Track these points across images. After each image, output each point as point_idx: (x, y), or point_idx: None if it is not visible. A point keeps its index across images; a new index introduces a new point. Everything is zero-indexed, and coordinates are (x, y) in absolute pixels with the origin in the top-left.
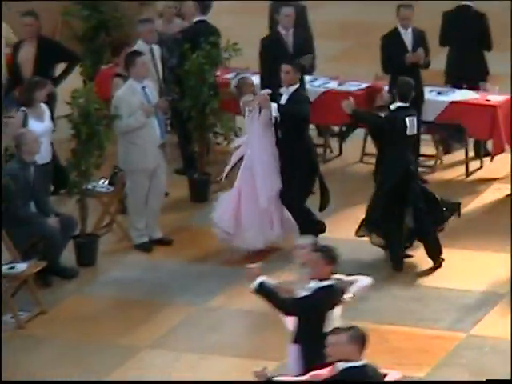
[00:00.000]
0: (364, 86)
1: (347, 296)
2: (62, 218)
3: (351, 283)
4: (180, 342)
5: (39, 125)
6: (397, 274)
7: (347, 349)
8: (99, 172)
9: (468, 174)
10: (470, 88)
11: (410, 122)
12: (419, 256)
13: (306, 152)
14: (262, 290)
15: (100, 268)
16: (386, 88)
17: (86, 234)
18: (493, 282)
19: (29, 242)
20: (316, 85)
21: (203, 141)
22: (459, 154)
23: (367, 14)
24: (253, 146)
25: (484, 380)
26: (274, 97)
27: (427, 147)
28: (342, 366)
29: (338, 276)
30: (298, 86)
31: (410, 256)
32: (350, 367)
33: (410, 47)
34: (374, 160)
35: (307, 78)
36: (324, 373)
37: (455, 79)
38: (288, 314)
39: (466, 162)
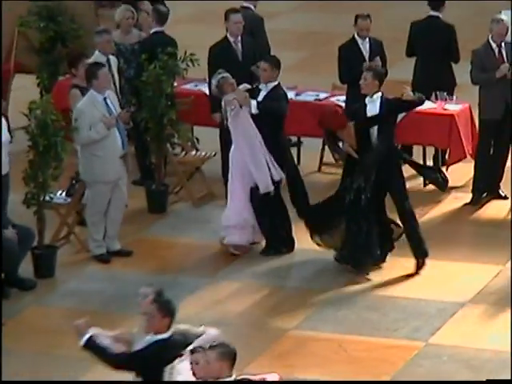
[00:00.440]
0: (322, 96)
1: (189, 349)
2: (20, 230)
3: (198, 335)
4: None
5: None
6: (354, 283)
7: (216, 366)
8: (57, 183)
9: (426, 183)
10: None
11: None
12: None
13: (280, 150)
14: (91, 346)
15: (58, 279)
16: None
17: (44, 245)
18: (451, 291)
19: None
20: None
21: (161, 152)
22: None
23: (324, 24)
24: (238, 142)
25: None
26: (253, 92)
27: None
28: None
29: (183, 327)
30: (277, 83)
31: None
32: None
33: (367, 57)
34: (332, 170)
35: None
36: None
37: (423, 90)
38: (121, 368)
39: None
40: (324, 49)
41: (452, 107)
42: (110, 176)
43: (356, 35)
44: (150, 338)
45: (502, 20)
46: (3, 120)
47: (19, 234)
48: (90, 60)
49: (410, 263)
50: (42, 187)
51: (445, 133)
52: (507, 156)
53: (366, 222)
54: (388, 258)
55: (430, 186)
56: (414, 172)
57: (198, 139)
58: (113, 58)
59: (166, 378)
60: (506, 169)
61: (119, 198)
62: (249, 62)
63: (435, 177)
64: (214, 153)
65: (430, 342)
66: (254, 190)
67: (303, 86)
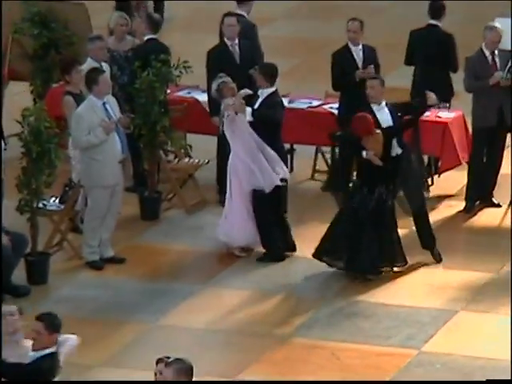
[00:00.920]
0: (315, 103)
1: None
2: (14, 236)
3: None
4: (132, 360)
5: None
6: (347, 290)
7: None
8: (50, 190)
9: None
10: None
11: None
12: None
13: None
14: None
15: (51, 286)
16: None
17: (37, 252)
18: (445, 299)
19: None
20: None
21: (154, 159)
22: None
23: (317, 31)
24: (236, 147)
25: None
26: (253, 98)
27: None
28: None
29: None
30: (273, 90)
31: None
32: None
33: (360, 64)
34: (324, 177)
35: None
36: None
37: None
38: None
39: None
40: (317, 56)
41: (445, 115)
42: (109, 180)
43: (349, 42)
44: (37, 353)
45: (496, 27)
46: None
47: (13, 240)
48: (83, 67)
49: (399, 269)
50: (36, 194)
51: (438, 141)
52: (500, 164)
53: (387, 231)
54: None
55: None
56: None
57: (190, 146)
58: (105, 65)
59: None
60: (502, 176)
61: (115, 204)
62: (247, 65)
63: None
64: (207, 160)
65: (423, 349)
66: (255, 193)
67: (296, 92)
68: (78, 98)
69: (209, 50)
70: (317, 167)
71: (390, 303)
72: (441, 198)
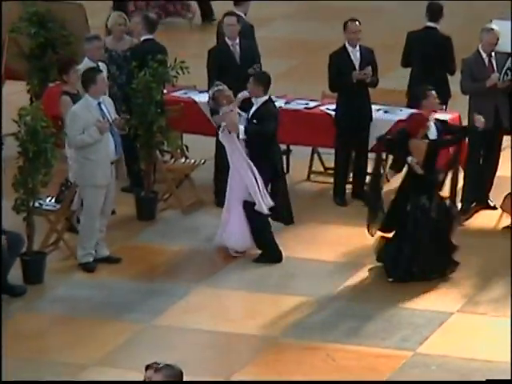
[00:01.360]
0: (312, 104)
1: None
2: (10, 236)
3: None
4: (127, 360)
5: None
6: (343, 291)
7: None
8: (46, 189)
9: None
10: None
11: None
12: (365, 273)
13: (270, 168)
14: None
15: (47, 286)
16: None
17: (33, 251)
18: (439, 301)
19: None
20: None
21: (150, 159)
22: None
23: (315, 32)
24: (235, 157)
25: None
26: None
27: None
28: None
29: None
30: (267, 98)
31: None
32: None
33: (357, 65)
34: (320, 178)
35: None
36: None
37: (417, 100)
38: None
39: None
40: (314, 57)
41: (442, 117)
42: (102, 180)
43: (347, 43)
44: None
45: (493, 29)
46: None
47: (9, 239)
48: (80, 67)
49: None
50: (32, 193)
51: None
52: (497, 166)
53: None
54: (374, 266)
55: None
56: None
57: (187, 147)
58: (102, 65)
59: None
60: (499, 178)
61: (107, 204)
62: (247, 65)
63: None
64: (203, 160)
65: (418, 351)
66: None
67: (293, 93)
68: (76, 98)
69: (209, 49)
70: (313, 168)
71: (385, 304)
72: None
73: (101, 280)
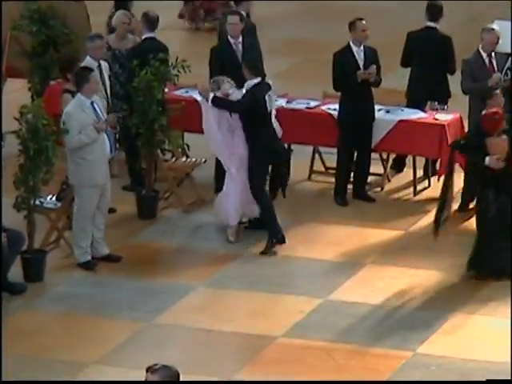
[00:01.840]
0: (313, 103)
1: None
2: (11, 234)
3: None
4: (127, 359)
5: None
6: (343, 291)
7: None
8: (47, 188)
9: (416, 192)
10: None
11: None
12: (366, 273)
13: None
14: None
15: (48, 284)
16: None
17: (34, 249)
18: (440, 301)
19: None
20: None
21: (151, 157)
22: (408, 173)
23: (316, 32)
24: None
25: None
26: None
27: (375, 166)
28: None
29: None
30: (257, 80)
31: None
32: None
33: (361, 64)
34: (321, 178)
35: None
36: None
37: (417, 101)
38: None
39: (414, 180)
40: (315, 56)
41: (443, 117)
42: (99, 180)
43: (351, 43)
44: None
45: (493, 29)
46: None
47: (9, 237)
48: (83, 65)
49: (395, 272)
50: (33, 191)
51: (435, 143)
52: None
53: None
54: (374, 266)
55: (420, 196)
56: (403, 181)
57: (188, 145)
58: (104, 64)
59: None
60: None
61: (105, 203)
62: None
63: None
64: (204, 159)
65: (418, 351)
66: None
67: (294, 93)
68: None
69: (212, 47)
70: (314, 168)
71: (385, 304)
72: (436, 200)
73: (101, 278)
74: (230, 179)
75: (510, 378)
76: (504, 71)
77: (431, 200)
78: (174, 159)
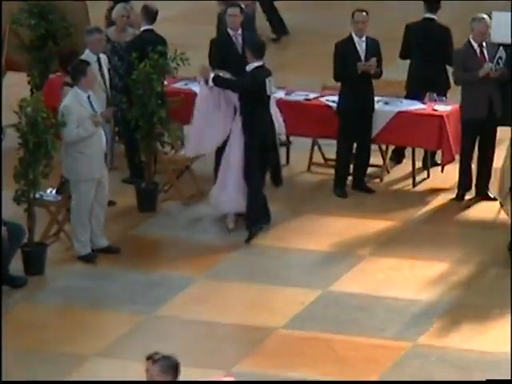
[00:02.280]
0: (311, 95)
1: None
2: (11, 227)
3: None
4: (127, 351)
5: None
6: (342, 282)
7: (160, 379)
8: (47, 181)
9: (415, 184)
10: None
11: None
12: (365, 264)
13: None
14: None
15: (48, 277)
16: None
17: (34, 242)
18: (440, 292)
19: None
20: None
21: (151, 150)
22: (407, 165)
23: (315, 23)
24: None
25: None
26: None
27: (375, 157)
28: None
29: None
30: (259, 63)
31: None
32: None
33: (363, 56)
34: (321, 169)
35: None
36: None
37: (416, 92)
38: None
39: (413, 172)
40: (316, 48)
41: (442, 108)
42: (96, 173)
43: (353, 33)
44: None
45: (483, 18)
46: None
47: (10, 231)
48: (81, 58)
49: (395, 263)
50: (33, 185)
51: (434, 134)
52: (493, 156)
53: None
54: (373, 257)
55: (419, 187)
56: (402, 173)
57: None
58: (103, 57)
59: None
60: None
61: (102, 196)
62: None
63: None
64: (206, 152)
65: (418, 342)
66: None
67: (293, 84)
68: None
69: (211, 39)
70: (313, 160)
71: (385, 295)
72: (435, 192)
73: (102, 271)
74: (226, 167)
75: (510, 378)
76: (495, 61)
77: (430, 191)
78: (173, 152)
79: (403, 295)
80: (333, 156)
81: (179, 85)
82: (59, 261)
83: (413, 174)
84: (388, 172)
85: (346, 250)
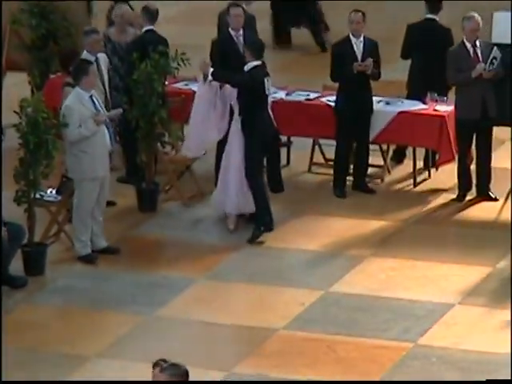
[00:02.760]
0: (312, 95)
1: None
2: (11, 227)
3: None
4: (128, 352)
5: None
6: (343, 283)
7: None
8: (47, 181)
9: (416, 184)
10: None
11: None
12: (366, 265)
13: (259, 139)
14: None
15: (48, 277)
16: None
17: (34, 243)
18: (440, 293)
19: None
20: None
21: (151, 150)
22: (408, 165)
23: None
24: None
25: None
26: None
27: (375, 157)
28: None
29: None
30: (258, 63)
31: None
32: None
33: (359, 56)
34: (321, 170)
35: None
36: None
37: (417, 92)
38: None
39: (414, 172)
40: (316, 49)
41: (443, 108)
42: (99, 172)
43: (350, 34)
44: None
45: (474, 16)
46: None
47: (10, 231)
48: (82, 58)
49: (396, 263)
50: (33, 185)
51: (435, 134)
52: (490, 156)
53: None
54: (374, 258)
55: (420, 187)
56: (403, 173)
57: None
58: (103, 57)
59: None
60: (500, 170)
61: (103, 196)
62: None
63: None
64: (204, 152)
65: (418, 343)
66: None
67: (294, 85)
68: None
69: (213, 39)
70: (314, 160)
71: (386, 296)
72: (436, 192)
73: (102, 272)
74: (226, 168)
75: (510, 378)
76: (489, 61)
77: (431, 191)
78: (174, 152)
79: (404, 296)
80: (333, 156)
81: (180, 85)
82: (59, 261)
83: (414, 175)
84: (389, 172)
85: (347, 250)
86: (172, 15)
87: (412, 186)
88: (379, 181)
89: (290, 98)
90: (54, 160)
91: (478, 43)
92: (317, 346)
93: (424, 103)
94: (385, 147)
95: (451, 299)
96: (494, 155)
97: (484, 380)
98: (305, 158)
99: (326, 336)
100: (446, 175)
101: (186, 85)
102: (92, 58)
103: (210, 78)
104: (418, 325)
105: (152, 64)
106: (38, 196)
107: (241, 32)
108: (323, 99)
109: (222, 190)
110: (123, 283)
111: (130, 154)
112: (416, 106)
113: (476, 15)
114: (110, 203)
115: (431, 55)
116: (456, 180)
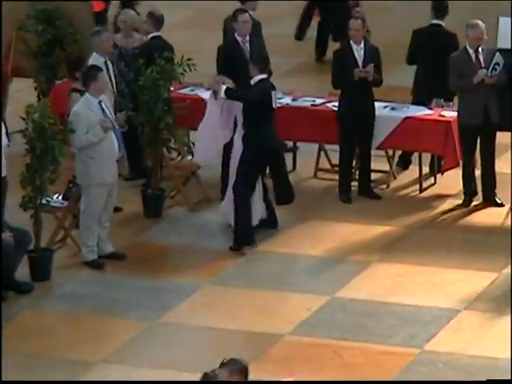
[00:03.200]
0: (318, 101)
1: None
2: (17, 233)
3: None
4: (133, 357)
5: None
6: (349, 288)
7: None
8: (53, 186)
9: (422, 190)
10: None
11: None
12: (372, 270)
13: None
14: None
15: (54, 283)
16: None
17: (41, 248)
18: (447, 298)
19: None
20: None
21: (157, 156)
22: (413, 170)
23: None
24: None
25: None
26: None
27: (381, 163)
28: None
29: None
30: (263, 76)
31: None
32: None
33: (360, 63)
34: (327, 175)
35: None
36: None
37: (423, 98)
38: None
39: (420, 177)
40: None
41: (449, 114)
42: (107, 178)
43: (351, 41)
44: None
45: (478, 24)
46: (2, 125)
47: (16, 237)
48: (90, 63)
49: (402, 269)
50: (39, 190)
51: (441, 139)
52: (493, 161)
53: None
54: (380, 263)
55: (426, 193)
56: (409, 179)
57: (194, 144)
58: (108, 63)
59: None
60: (507, 176)
61: (111, 202)
62: None
63: None
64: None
65: (425, 348)
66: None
67: (300, 91)
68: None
69: (219, 45)
70: (319, 165)
71: (392, 302)
72: (442, 198)
73: (108, 277)
74: (232, 177)
75: (510, 378)
76: (492, 66)
77: (437, 197)
78: (179, 158)
79: (410, 301)
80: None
81: (185, 91)
82: (66, 267)
83: (419, 180)
84: (395, 178)
85: (353, 256)
86: (178, 21)
87: (418, 192)
88: (385, 186)
89: (295, 103)
90: (60, 166)
91: (480, 49)
92: (323, 351)
93: (430, 109)
94: (390, 153)
95: (457, 305)
96: (498, 161)
97: (484, 380)
98: (311, 163)
99: (331, 341)
100: (452, 181)
101: (192, 90)
102: (102, 60)
103: (222, 95)
104: (424, 330)
105: (158, 70)
106: (44, 202)
107: (247, 38)
108: (329, 105)
109: (229, 202)
110: (129, 289)
111: (133, 160)
112: (422, 112)
113: (480, 23)
114: (116, 209)
115: (437, 60)
116: (461, 185)
